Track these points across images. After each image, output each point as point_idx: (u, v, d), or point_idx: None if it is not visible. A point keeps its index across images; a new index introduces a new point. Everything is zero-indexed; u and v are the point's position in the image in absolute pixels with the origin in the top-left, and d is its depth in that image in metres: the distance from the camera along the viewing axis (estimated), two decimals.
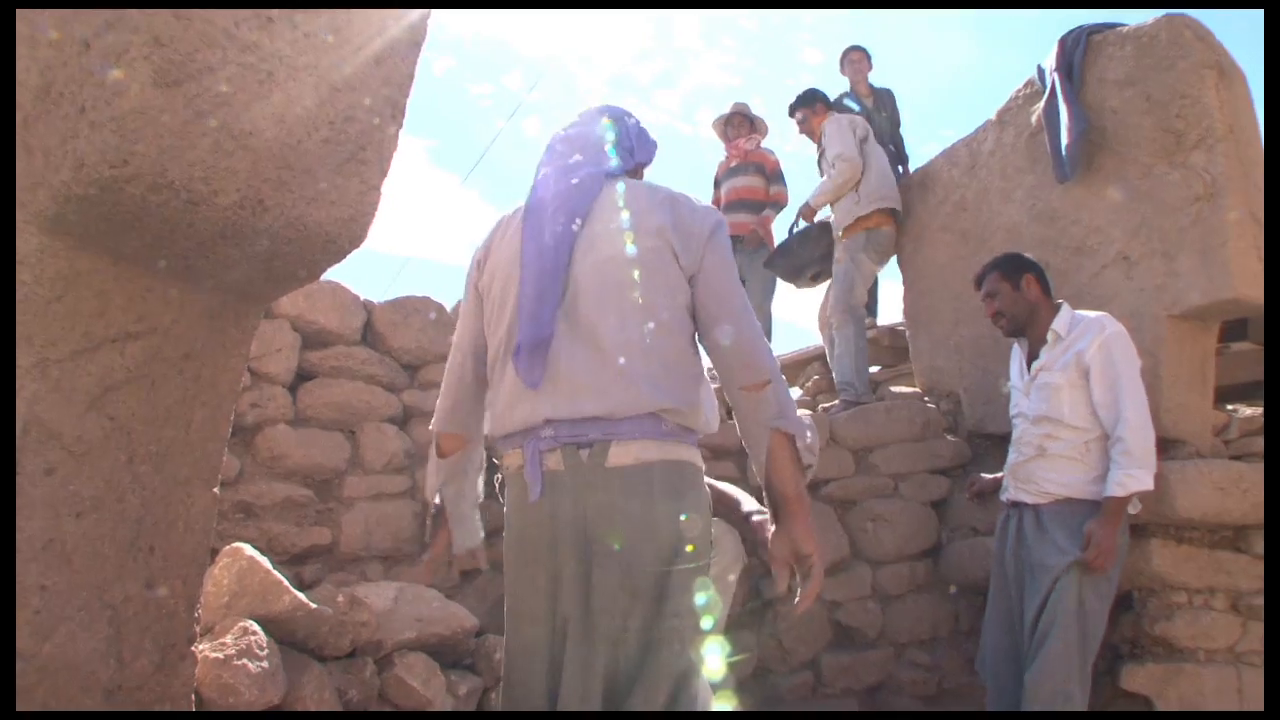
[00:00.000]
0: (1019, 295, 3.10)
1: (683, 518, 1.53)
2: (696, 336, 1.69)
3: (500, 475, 1.73)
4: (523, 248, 1.64)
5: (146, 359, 1.63)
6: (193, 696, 1.80)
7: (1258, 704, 3.03)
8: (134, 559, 1.67)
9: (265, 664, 2.04)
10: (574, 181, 1.68)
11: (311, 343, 3.38)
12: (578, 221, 1.62)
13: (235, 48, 1.34)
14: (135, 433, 1.65)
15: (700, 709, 1.50)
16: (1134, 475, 2.80)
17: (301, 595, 2.26)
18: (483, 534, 1.91)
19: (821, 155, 4.84)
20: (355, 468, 3.37)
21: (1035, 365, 3.07)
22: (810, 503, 1.60)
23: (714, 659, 1.53)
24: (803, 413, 2.70)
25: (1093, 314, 3.03)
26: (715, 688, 1.58)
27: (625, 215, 1.63)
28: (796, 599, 1.57)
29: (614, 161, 1.75)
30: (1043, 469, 2.97)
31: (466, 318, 1.82)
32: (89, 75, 1.32)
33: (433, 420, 1.88)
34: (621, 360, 1.53)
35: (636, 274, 1.58)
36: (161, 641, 1.71)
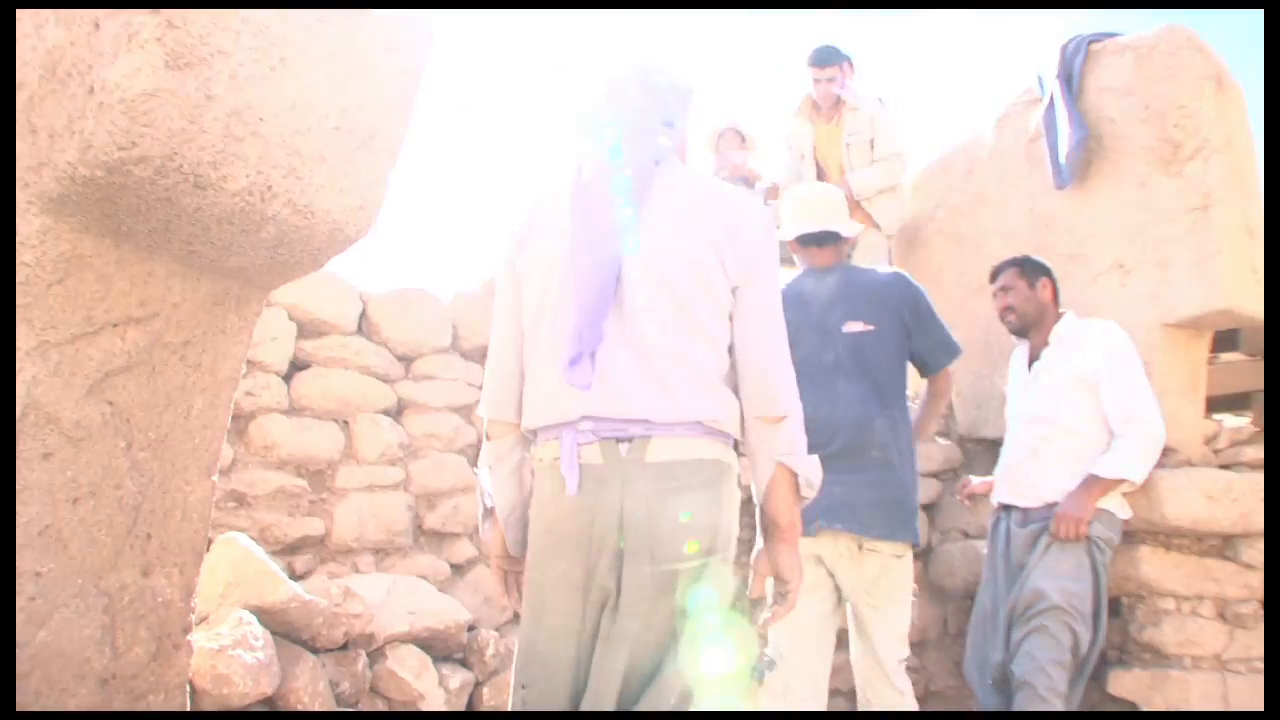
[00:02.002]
0: (1033, 295, 3.13)
1: (716, 512, 1.53)
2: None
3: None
4: (574, 247, 1.59)
5: (147, 344, 1.62)
6: (187, 686, 1.78)
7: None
8: (131, 547, 1.65)
9: (260, 655, 2.03)
10: (621, 174, 1.62)
11: (307, 332, 3.35)
12: (630, 222, 1.58)
13: (249, 32, 1.33)
14: (134, 419, 1.63)
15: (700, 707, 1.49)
16: (1128, 465, 2.82)
17: (296, 586, 2.25)
18: None
19: (862, 138, 4.56)
20: (348, 459, 3.34)
21: (1037, 366, 3.09)
22: (800, 532, 1.63)
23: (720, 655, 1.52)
24: None
25: (1097, 322, 3.06)
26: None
27: (676, 216, 1.60)
28: (769, 613, 1.64)
29: (661, 146, 1.68)
30: (1035, 472, 2.98)
31: (505, 299, 1.74)
32: (99, 56, 1.30)
33: (480, 404, 1.80)
34: (665, 371, 1.53)
35: (684, 282, 1.56)
36: (157, 630, 1.69)
